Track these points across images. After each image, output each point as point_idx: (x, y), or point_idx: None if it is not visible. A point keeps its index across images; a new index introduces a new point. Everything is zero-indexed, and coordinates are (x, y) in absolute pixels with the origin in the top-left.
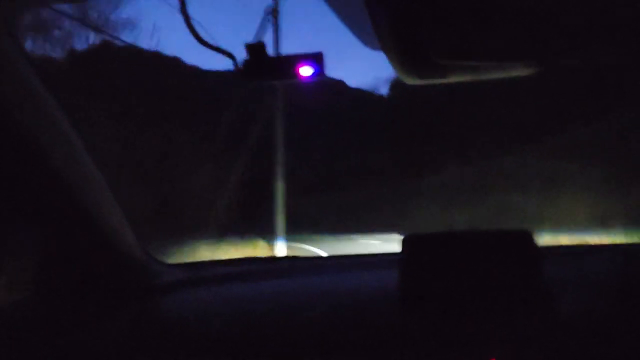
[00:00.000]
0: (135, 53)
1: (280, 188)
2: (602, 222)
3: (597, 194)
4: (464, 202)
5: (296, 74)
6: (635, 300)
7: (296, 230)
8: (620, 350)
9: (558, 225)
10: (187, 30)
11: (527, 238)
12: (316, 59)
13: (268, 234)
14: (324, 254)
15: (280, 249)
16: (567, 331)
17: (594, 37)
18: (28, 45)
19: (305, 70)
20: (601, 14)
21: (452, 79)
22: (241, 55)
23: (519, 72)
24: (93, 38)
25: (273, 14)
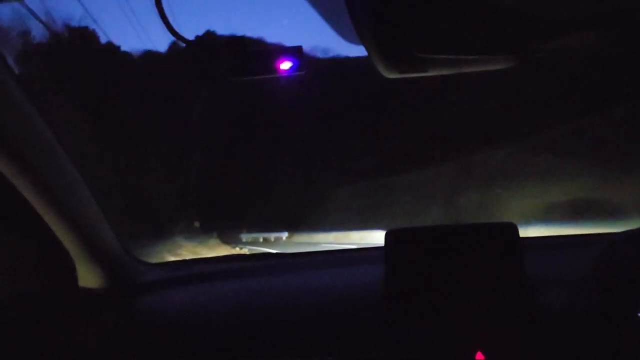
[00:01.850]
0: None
1: None
2: (582, 213)
3: (576, 187)
4: (448, 196)
5: (276, 69)
6: (615, 291)
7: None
8: (601, 340)
9: (539, 218)
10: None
11: (509, 231)
12: (295, 53)
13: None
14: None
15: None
16: (549, 323)
17: (570, 29)
18: None
19: (285, 65)
20: (577, 6)
21: (432, 72)
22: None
23: (499, 65)
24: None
25: None
